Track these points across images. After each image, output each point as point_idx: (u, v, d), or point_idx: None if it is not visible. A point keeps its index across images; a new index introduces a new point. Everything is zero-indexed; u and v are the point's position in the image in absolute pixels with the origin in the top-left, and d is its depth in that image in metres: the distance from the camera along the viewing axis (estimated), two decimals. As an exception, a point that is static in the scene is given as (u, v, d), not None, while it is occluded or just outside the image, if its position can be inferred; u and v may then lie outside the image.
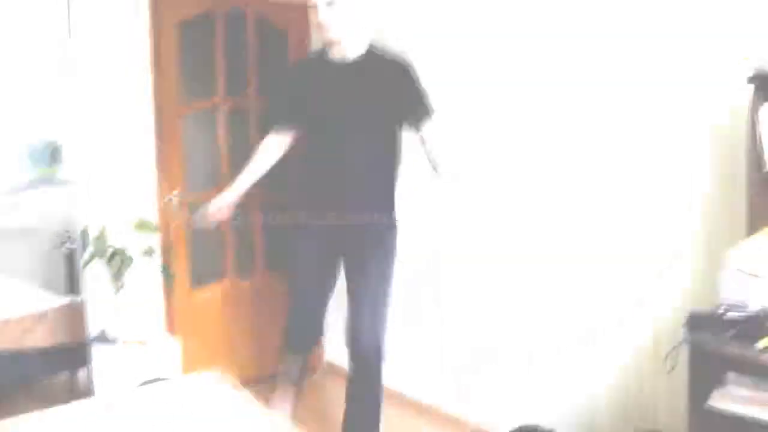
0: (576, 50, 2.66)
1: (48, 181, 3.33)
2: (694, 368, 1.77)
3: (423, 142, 2.74)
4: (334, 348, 4.05)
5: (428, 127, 2.72)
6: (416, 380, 3.56)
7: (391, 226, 2.90)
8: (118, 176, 3.50)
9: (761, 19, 2.08)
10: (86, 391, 3.16)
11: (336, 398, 3.19)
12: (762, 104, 1.91)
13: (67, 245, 3.26)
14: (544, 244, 2.88)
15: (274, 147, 3.01)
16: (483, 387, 3.20)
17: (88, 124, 3.30)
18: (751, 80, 1.93)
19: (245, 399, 2.17)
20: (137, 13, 3.49)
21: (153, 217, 3.56)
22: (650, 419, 2.55)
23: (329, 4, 2.63)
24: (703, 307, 1.96)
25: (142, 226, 3.36)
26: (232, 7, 3.76)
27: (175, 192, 3.65)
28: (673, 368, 1.81)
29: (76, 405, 2.28)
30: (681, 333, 1.96)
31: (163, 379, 3.08)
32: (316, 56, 2.94)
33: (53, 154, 3.33)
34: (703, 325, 1.77)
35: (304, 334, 3.12)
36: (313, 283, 3.00)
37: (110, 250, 3.35)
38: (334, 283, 3.03)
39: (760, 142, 1.91)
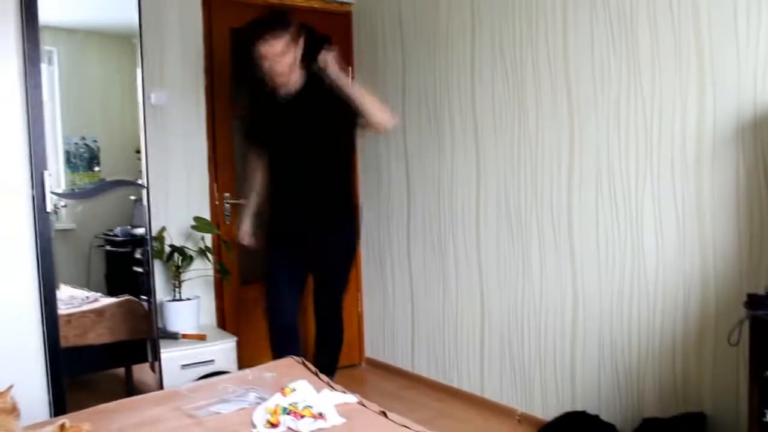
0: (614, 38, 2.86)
1: (112, 184, 3.47)
2: (755, 341, 1.96)
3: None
4: (373, 345, 4.28)
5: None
6: (461, 371, 3.74)
7: (351, 223, 3.35)
8: (175, 178, 3.68)
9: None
10: (146, 385, 3.29)
11: (376, 389, 3.38)
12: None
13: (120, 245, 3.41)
14: (600, 233, 3.07)
15: (257, 165, 3.40)
16: (528, 374, 3.38)
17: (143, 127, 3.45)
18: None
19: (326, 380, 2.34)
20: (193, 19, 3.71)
21: (207, 217, 3.74)
22: (695, 402, 2.71)
23: (282, 53, 2.98)
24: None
25: (203, 225, 3.53)
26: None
27: (227, 194, 3.83)
28: (738, 342, 2.00)
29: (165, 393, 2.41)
30: (731, 316, 2.16)
31: (224, 372, 3.24)
32: (268, 93, 3.22)
33: (91, 157, 3.48)
34: (761, 304, 1.96)
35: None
36: (285, 288, 3.32)
37: (169, 250, 3.53)
38: (303, 285, 3.41)
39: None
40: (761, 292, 2.04)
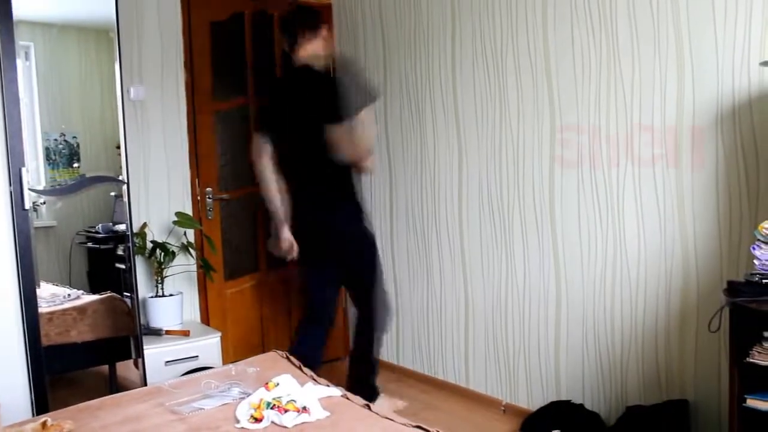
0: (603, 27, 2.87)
1: (92, 180, 3.43)
2: (734, 328, 1.97)
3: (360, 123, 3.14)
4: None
5: (368, 110, 3.18)
6: (446, 363, 3.75)
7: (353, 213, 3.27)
8: (156, 174, 3.65)
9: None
10: (130, 382, 3.27)
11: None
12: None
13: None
14: (578, 222, 3.08)
15: (267, 163, 3.21)
16: (512, 364, 3.39)
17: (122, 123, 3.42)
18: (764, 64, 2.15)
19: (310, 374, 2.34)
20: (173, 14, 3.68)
21: (189, 213, 3.71)
22: (678, 389, 2.73)
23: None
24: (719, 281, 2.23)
25: (185, 220, 3.50)
26: (260, 9, 3.97)
27: (209, 189, 3.80)
28: (718, 328, 2.01)
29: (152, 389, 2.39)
30: (712, 303, 2.17)
31: (208, 368, 3.22)
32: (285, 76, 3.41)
33: (71, 154, 3.44)
34: (741, 291, 1.98)
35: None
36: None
37: (151, 246, 3.50)
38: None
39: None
40: (741, 279, 2.06)
